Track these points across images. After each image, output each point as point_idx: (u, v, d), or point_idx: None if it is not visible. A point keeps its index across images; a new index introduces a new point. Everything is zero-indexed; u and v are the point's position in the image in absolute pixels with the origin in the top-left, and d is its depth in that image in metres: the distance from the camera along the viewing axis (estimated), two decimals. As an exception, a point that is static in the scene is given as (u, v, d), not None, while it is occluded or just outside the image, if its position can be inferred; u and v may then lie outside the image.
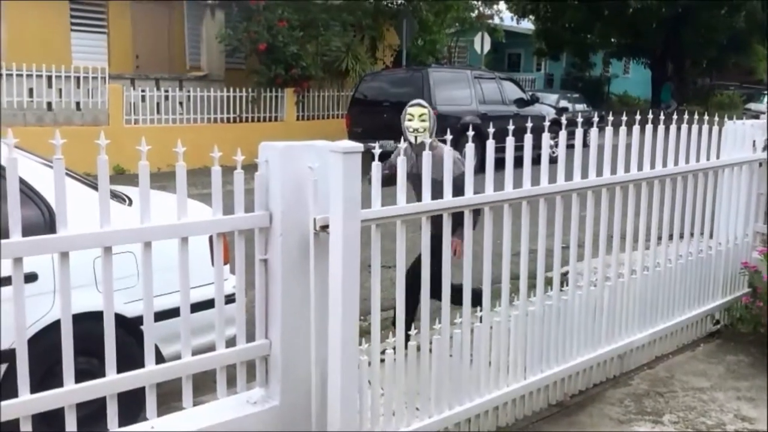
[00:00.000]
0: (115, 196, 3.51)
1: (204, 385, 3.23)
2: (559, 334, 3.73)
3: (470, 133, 3.15)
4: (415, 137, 4.12)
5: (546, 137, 3.44)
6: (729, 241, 4.97)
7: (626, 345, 4.15)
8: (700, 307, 4.76)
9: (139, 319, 2.59)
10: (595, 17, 27.96)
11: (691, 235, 4.66)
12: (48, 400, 2.28)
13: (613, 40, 30.44)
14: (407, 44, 18.37)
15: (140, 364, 2.48)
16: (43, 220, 3.12)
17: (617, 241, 4.02)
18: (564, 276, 3.81)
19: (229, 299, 2.78)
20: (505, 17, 28.78)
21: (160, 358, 2.67)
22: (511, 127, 3.27)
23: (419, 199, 3.03)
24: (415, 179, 3.59)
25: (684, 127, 4.34)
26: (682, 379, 4.17)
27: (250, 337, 2.76)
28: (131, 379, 2.45)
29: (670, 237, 4.43)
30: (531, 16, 30.75)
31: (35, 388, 2.26)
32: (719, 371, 4.31)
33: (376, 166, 2.72)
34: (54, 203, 2.58)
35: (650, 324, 4.33)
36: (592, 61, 33.25)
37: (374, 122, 13.58)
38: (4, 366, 2.97)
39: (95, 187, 3.33)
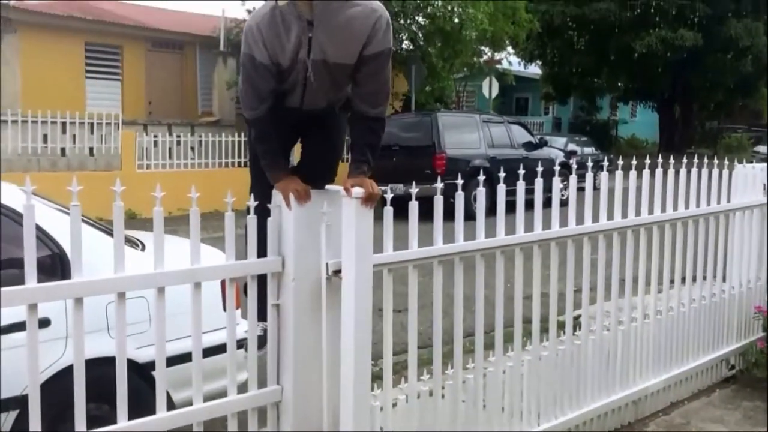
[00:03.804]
0: (128, 241, 3.53)
1: (214, 428, 3.20)
2: (573, 380, 3.69)
3: (481, 177, 3.18)
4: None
5: (556, 181, 3.46)
6: (742, 284, 4.93)
7: (641, 391, 4.10)
8: (714, 352, 4.71)
9: (150, 365, 2.58)
10: (601, 62, 28.28)
11: (704, 278, 4.63)
12: (59, 447, 2.26)
13: (620, 84, 30.72)
14: (416, 90, 18.57)
15: (151, 409, 2.46)
16: (56, 264, 3.13)
17: (629, 285, 4.00)
18: (576, 320, 3.79)
19: (241, 344, 2.77)
20: (512, 61, 29.12)
21: (170, 404, 2.65)
22: (521, 171, 3.29)
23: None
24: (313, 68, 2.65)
25: (694, 170, 4.35)
26: (698, 426, 4.10)
27: (262, 382, 2.74)
28: (142, 426, 2.43)
29: (683, 281, 4.40)
30: (538, 61, 31.11)
31: (46, 434, 2.24)
32: (736, 417, 4.24)
33: (388, 212, 2.73)
34: (67, 248, 2.61)
35: (664, 369, 4.28)
36: (599, 104, 33.50)
37: (384, 166, 13.63)
38: (15, 412, 2.95)
39: (108, 232, 3.36)
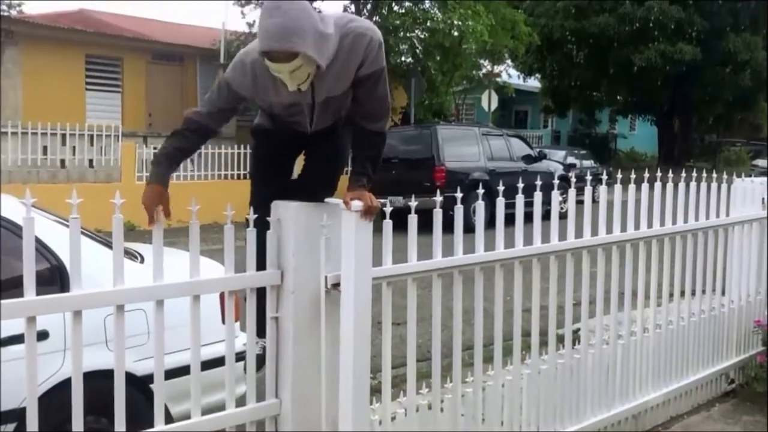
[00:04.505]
0: (126, 253, 3.52)
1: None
2: (572, 394, 3.68)
3: (480, 190, 3.18)
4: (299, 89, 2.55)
5: (555, 194, 3.46)
6: (741, 298, 4.93)
7: (641, 405, 4.08)
8: (714, 366, 4.70)
9: (148, 377, 2.57)
10: (601, 75, 28.37)
11: (703, 292, 4.62)
12: (56, 460, 2.25)
13: (619, 97, 30.82)
14: (415, 103, 18.63)
15: (149, 422, 2.45)
16: (55, 277, 3.13)
17: (629, 298, 4.00)
18: (575, 333, 3.78)
19: (239, 357, 2.77)
20: (512, 74, 29.23)
21: (168, 418, 2.64)
22: (521, 184, 3.30)
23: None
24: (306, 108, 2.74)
25: (693, 184, 4.36)
26: (698, 440, 4.09)
27: (260, 395, 2.74)
28: (140, 439, 2.42)
29: (682, 294, 4.40)
30: (538, 74, 31.22)
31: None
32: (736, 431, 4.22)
33: (387, 225, 2.73)
34: (66, 260, 2.60)
35: (664, 383, 4.27)
36: (598, 118, 33.58)
37: (384, 179, 13.63)
38: (12, 425, 2.94)
39: (107, 244, 3.36)
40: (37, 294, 2.15)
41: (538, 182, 3.37)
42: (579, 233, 3.64)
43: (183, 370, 2.64)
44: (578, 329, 3.83)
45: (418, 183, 12.14)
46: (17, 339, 2.37)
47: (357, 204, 2.52)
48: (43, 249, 3.10)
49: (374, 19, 18.09)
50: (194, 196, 2.47)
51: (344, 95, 2.73)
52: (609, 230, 3.81)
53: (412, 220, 2.83)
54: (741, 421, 4.39)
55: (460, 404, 3.12)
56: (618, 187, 4.14)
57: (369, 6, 19.37)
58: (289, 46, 2.33)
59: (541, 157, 16.44)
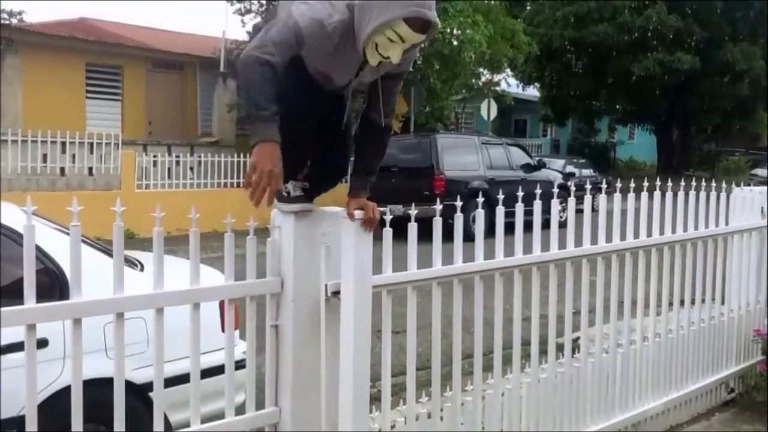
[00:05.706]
0: (126, 261, 3.52)
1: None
2: (572, 402, 3.68)
3: (479, 199, 3.19)
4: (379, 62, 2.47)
5: (555, 202, 3.47)
6: (741, 307, 4.93)
7: (640, 414, 4.08)
8: (713, 375, 4.69)
9: (148, 386, 2.57)
10: (600, 84, 28.48)
11: (703, 301, 4.62)
12: (55, 468, 2.24)
13: (618, 106, 30.91)
14: (415, 111, 18.66)
15: (148, 431, 2.44)
16: (54, 285, 3.13)
17: (628, 307, 4.00)
18: (575, 342, 3.78)
19: (239, 365, 2.76)
20: (511, 83, 29.29)
21: (167, 426, 2.64)
22: (520, 193, 3.30)
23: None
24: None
25: (692, 193, 4.37)
26: (698, 450, 4.08)
27: (260, 404, 2.73)
28: (139, 447, 2.41)
29: (682, 303, 4.40)
30: (537, 84, 31.30)
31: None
32: (736, 441, 4.22)
33: (387, 233, 2.74)
34: (66, 268, 2.61)
35: (664, 392, 4.26)
36: (597, 127, 33.66)
37: (383, 187, 13.66)
38: (10, 433, 2.93)
39: (107, 252, 3.36)
40: (37, 302, 2.15)
41: (538, 191, 3.38)
42: (578, 242, 3.64)
43: (182, 379, 2.64)
44: (578, 338, 3.82)
45: (417, 191, 12.16)
46: (17, 347, 2.36)
47: (359, 213, 2.53)
48: (42, 257, 3.10)
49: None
50: (194, 204, 2.47)
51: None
52: (608, 239, 3.81)
53: (412, 228, 2.83)
54: (741, 430, 4.38)
55: (459, 413, 3.12)
56: (617, 195, 4.14)
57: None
58: (436, 18, 2.37)
59: (541, 165, 16.47)
